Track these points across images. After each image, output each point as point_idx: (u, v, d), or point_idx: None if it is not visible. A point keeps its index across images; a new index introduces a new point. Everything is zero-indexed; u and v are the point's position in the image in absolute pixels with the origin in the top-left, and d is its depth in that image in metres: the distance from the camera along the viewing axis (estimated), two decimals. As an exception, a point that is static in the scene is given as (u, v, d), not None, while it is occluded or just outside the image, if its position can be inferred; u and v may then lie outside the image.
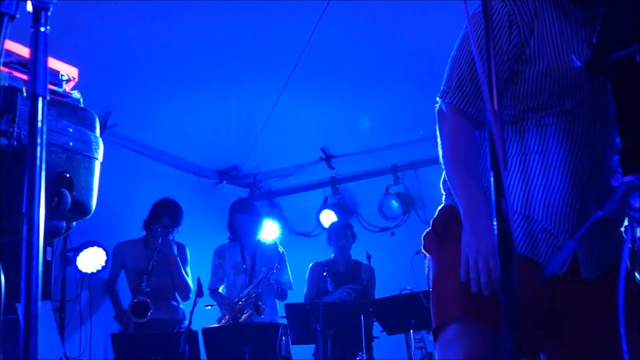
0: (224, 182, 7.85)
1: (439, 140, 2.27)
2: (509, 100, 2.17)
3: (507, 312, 1.56)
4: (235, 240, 6.24)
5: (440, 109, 2.28)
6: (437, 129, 2.28)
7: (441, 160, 2.25)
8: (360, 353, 5.33)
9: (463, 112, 2.20)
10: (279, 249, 6.28)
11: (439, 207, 2.37)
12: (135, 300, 5.50)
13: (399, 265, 6.30)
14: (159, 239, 5.64)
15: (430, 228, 2.35)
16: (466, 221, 2.11)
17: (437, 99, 2.30)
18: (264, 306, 5.82)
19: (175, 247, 5.82)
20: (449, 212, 2.28)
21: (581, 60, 2.11)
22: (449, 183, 2.24)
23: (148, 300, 5.46)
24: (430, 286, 2.30)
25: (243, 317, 5.78)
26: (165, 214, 5.80)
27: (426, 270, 2.40)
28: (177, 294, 5.84)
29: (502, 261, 1.57)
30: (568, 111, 2.13)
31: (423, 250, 2.33)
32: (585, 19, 2.15)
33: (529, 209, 2.14)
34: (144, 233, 5.90)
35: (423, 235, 2.34)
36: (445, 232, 2.28)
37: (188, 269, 5.92)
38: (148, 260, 5.61)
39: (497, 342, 2.07)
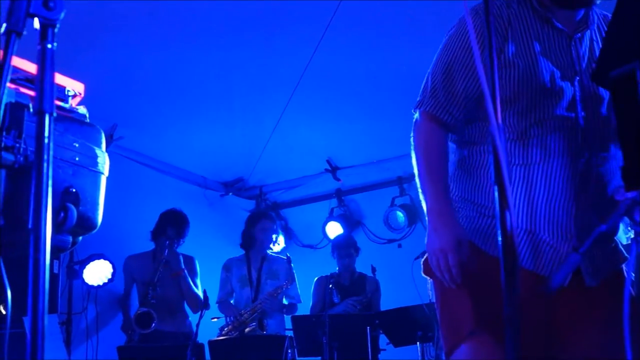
0: (230, 194, 7.87)
1: (412, 146, 2.33)
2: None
3: (510, 327, 1.56)
4: (248, 249, 6.22)
5: (415, 120, 2.35)
6: (412, 137, 2.35)
7: (414, 163, 2.31)
8: (366, 365, 5.32)
9: (436, 119, 2.27)
10: (290, 262, 6.28)
11: None
12: (138, 311, 5.51)
13: (405, 277, 6.28)
14: (165, 250, 5.65)
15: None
16: (430, 217, 2.19)
17: (413, 110, 2.37)
18: (267, 324, 5.81)
19: (183, 259, 5.83)
20: None
21: (558, 66, 2.15)
22: (418, 184, 2.29)
23: (151, 311, 5.47)
24: (438, 309, 2.31)
25: (246, 330, 5.78)
26: (170, 225, 5.82)
27: (430, 294, 2.41)
28: (186, 307, 5.84)
29: (507, 276, 1.57)
30: (549, 117, 2.14)
31: (424, 274, 2.32)
32: (564, 22, 2.18)
33: (531, 218, 2.15)
34: (151, 245, 5.91)
35: (422, 261, 2.33)
36: None
37: (198, 281, 5.92)
38: (155, 272, 5.62)
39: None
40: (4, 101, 1.49)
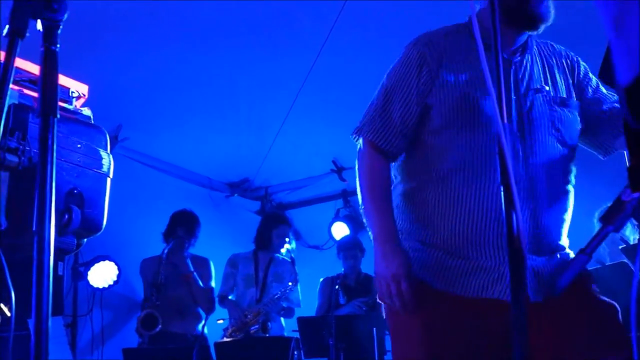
0: (235, 195, 7.86)
1: (356, 172, 2.35)
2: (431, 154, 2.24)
3: (517, 326, 1.54)
4: (262, 248, 6.20)
5: (359, 147, 2.38)
6: (356, 164, 2.37)
7: (358, 191, 2.33)
8: (372, 367, 5.31)
9: (376, 147, 2.29)
10: (294, 266, 6.28)
11: None
12: (143, 313, 5.50)
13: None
14: (165, 250, 5.67)
15: None
16: (377, 244, 2.17)
17: (352, 136, 2.42)
18: (270, 327, 5.80)
19: (197, 261, 5.83)
20: None
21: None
22: (362, 212, 2.31)
23: (155, 313, 5.46)
24: (391, 338, 2.32)
25: (251, 332, 5.77)
26: (179, 225, 5.82)
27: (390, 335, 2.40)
28: (199, 308, 5.83)
29: (513, 274, 1.56)
30: (480, 141, 2.15)
31: (379, 299, 2.27)
32: (503, 47, 2.18)
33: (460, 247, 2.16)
34: (155, 247, 5.90)
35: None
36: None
37: (212, 284, 5.91)
38: (164, 274, 5.63)
39: None
40: (7, 103, 1.48)
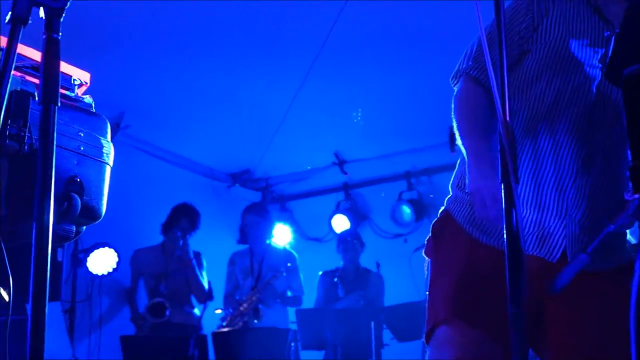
0: (237, 185, 7.86)
1: (454, 110, 2.30)
2: (519, 100, 2.23)
3: (516, 326, 1.55)
4: (245, 244, 6.26)
5: (457, 89, 2.34)
6: (453, 102, 2.32)
7: (454, 120, 2.29)
8: (369, 360, 5.33)
9: (480, 82, 2.26)
10: (292, 254, 6.29)
11: (440, 210, 2.39)
12: (153, 302, 5.54)
13: (410, 272, 6.28)
14: (180, 241, 5.70)
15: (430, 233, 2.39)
16: (471, 161, 2.14)
17: (451, 81, 2.38)
18: (262, 311, 5.81)
19: (192, 252, 5.86)
20: (445, 216, 2.33)
21: (589, 53, 2.18)
22: (460, 139, 2.25)
23: (165, 301, 5.51)
24: (427, 289, 2.34)
25: (244, 320, 5.78)
26: (184, 216, 5.85)
27: (425, 273, 2.42)
28: (193, 297, 5.86)
29: (512, 275, 1.56)
30: (566, 98, 2.17)
31: (424, 254, 2.36)
32: (614, 17, 2.19)
33: (539, 196, 2.15)
34: (154, 235, 5.92)
35: (426, 239, 2.38)
36: (440, 235, 2.33)
37: (204, 274, 5.94)
38: (166, 265, 5.65)
39: (485, 346, 2.10)
40: (8, 89, 1.48)
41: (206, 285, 5.77)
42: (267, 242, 6.30)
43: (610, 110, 2.16)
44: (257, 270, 6.10)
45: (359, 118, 6.39)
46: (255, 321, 5.72)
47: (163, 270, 5.65)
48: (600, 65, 2.18)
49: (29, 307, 1.44)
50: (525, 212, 2.14)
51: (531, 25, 2.24)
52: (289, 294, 6.16)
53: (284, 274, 5.97)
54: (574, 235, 2.12)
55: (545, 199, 2.15)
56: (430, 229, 2.39)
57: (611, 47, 2.07)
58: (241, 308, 5.84)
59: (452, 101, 2.32)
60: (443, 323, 2.18)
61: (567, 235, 2.12)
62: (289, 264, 6.02)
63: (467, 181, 2.16)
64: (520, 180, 2.14)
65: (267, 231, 6.28)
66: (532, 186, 2.17)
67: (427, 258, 2.38)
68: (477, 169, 2.11)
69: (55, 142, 1.48)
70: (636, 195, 1.61)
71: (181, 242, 5.73)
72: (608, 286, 2.13)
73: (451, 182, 2.37)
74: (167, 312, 5.52)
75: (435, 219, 2.39)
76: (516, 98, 2.23)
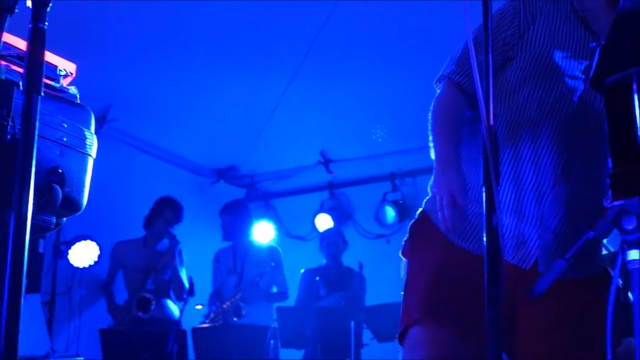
0: (221, 181, 7.84)
1: (430, 111, 2.34)
2: (502, 107, 2.25)
3: (492, 329, 1.56)
4: (229, 241, 6.27)
5: (438, 92, 2.38)
6: (432, 105, 2.35)
7: (429, 121, 2.33)
8: (348, 359, 5.33)
9: (461, 87, 2.29)
10: (277, 249, 6.30)
11: (418, 211, 2.41)
12: (141, 296, 5.53)
13: (392, 273, 6.28)
14: (163, 234, 5.71)
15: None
16: (438, 163, 2.19)
17: (435, 84, 2.40)
18: (244, 309, 5.81)
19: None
20: (422, 217, 2.36)
21: (574, 64, 2.20)
22: (431, 140, 2.29)
23: (151, 297, 5.51)
24: (402, 290, 2.37)
25: (230, 319, 5.78)
26: (168, 208, 5.85)
27: (402, 274, 2.44)
28: (171, 293, 5.85)
29: (490, 278, 1.57)
30: (547, 107, 2.19)
31: (401, 255, 2.37)
32: (602, 29, 2.20)
33: (518, 202, 2.17)
34: (137, 229, 5.90)
35: (404, 240, 2.40)
36: (417, 236, 2.37)
37: (184, 270, 5.93)
38: (148, 259, 5.65)
39: (457, 347, 2.11)
40: (-8, 78, 1.47)
41: (186, 282, 5.77)
42: (249, 239, 6.29)
43: (592, 120, 2.18)
44: (240, 268, 6.09)
45: (378, 136, 6.38)
46: (235, 319, 5.72)
47: (144, 263, 5.63)
48: (583, 76, 2.20)
49: (4, 299, 1.44)
50: (504, 217, 2.16)
51: (517, 33, 2.26)
52: (275, 289, 6.16)
53: (268, 272, 5.97)
54: (548, 245, 2.14)
55: (524, 205, 2.17)
56: (408, 229, 2.41)
57: (596, 57, 2.08)
58: (224, 306, 5.83)
59: (432, 104, 2.36)
60: (416, 323, 2.21)
61: (541, 244, 2.14)
62: (272, 263, 6.01)
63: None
64: (501, 185, 2.16)
65: (243, 229, 6.27)
66: (511, 192, 2.19)
67: (404, 259, 2.39)
68: (442, 172, 2.15)
69: (37, 132, 1.48)
70: (615, 203, 1.62)
71: (166, 237, 5.73)
72: (582, 294, 2.15)
73: (430, 183, 2.40)
74: (152, 307, 5.51)
75: (413, 220, 2.42)
76: (498, 104, 2.24)
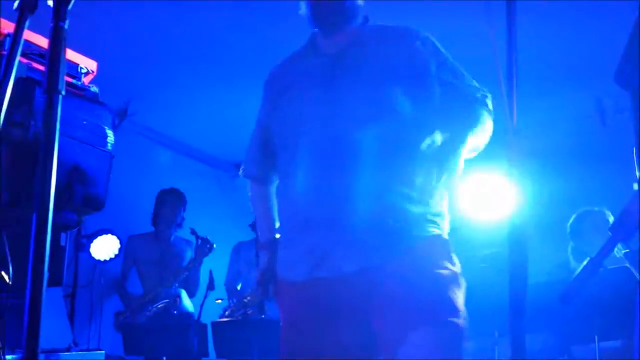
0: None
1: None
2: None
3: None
4: (255, 233, 6.24)
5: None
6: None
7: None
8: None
9: (253, 178, 2.68)
10: None
11: None
12: (173, 294, 5.57)
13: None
14: (164, 230, 5.74)
15: None
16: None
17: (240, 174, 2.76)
18: (268, 308, 5.79)
19: (185, 243, 5.87)
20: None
21: (314, 95, 2.30)
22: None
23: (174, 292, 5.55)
24: None
25: (248, 312, 5.77)
26: (167, 195, 5.85)
27: None
28: (185, 288, 5.86)
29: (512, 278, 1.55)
30: (304, 145, 2.29)
31: None
32: (330, 47, 2.36)
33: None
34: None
35: None
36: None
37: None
38: (162, 252, 5.67)
39: None
40: (14, 76, 1.47)
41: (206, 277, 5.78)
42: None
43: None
44: (263, 263, 6.07)
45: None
46: (263, 316, 5.73)
47: (159, 257, 5.66)
48: None
49: (27, 296, 1.44)
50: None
51: (270, 108, 2.61)
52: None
53: None
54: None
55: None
56: None
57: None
58: (245, 300, 5.82)
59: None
60: None
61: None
62: None
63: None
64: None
65: None
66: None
67: None
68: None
69: (58, 132, 1.48)
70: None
71: (176, 226, 5.76)
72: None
73: None
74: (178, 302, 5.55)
75: None
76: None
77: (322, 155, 2.18)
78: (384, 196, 2.10)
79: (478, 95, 2.30)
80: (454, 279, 2.09)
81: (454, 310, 2.03)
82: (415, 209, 2.11)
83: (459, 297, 2.07)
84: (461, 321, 2.03)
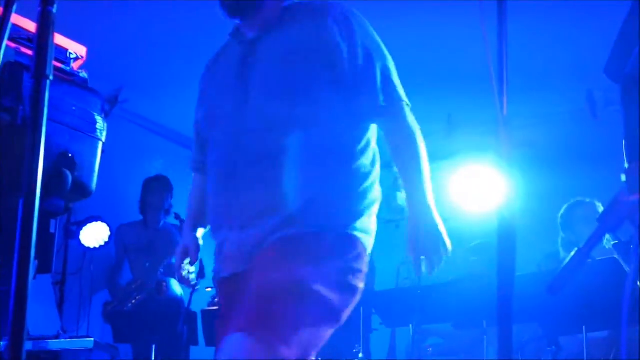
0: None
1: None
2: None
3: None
4: None
5: None
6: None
7: None
8: (357, 345, 5.32)
9: (192, 170, 2.63)
10: None
11: None
12: (157, 280, 5.55)
13: (401, 258, 6.28)
14: (154, 218, 5.73)
15: None
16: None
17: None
18: None
19: (173, 230, 5.86)
20: None
21: (228, 85, 2.30)
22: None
23: (166, 280, 5.55)
24: None
25: None
26: (153, 182, 5.85)
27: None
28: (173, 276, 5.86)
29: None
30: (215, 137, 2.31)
31: None
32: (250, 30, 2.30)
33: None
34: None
35: None
36: None
37: None
38: (150, 239, 5.65)
39: None
40: (1, 60, 1.46)
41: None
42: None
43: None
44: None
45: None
46: None
47: (147, 244, 5.65)
48: None
49: (12, 283, 1.44)
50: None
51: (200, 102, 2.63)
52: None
53: None
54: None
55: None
56: None
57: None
58: None
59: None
60: None
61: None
62: None
63: None
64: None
65: None
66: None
67: None
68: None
69: (46, 117, 1.47)
70: (630, 197, 1.60)
71: (164, 212, 5.76)
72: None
73: None
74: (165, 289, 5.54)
75: None
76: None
77: (224, 152, 2.18)
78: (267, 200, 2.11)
79: (380, 103, 2.24)
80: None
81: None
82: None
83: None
84: None
